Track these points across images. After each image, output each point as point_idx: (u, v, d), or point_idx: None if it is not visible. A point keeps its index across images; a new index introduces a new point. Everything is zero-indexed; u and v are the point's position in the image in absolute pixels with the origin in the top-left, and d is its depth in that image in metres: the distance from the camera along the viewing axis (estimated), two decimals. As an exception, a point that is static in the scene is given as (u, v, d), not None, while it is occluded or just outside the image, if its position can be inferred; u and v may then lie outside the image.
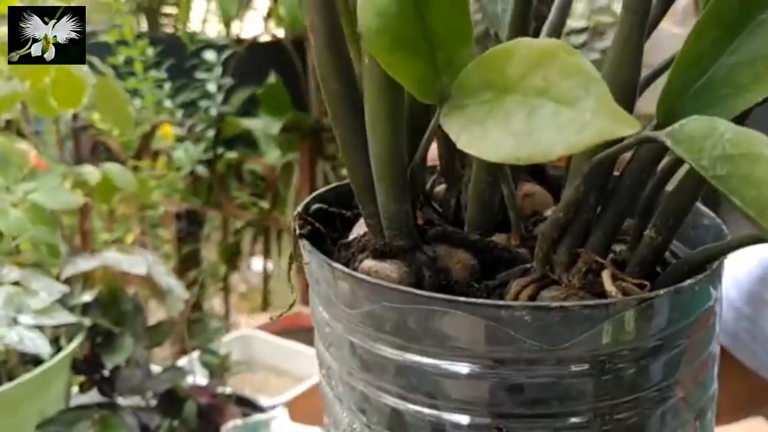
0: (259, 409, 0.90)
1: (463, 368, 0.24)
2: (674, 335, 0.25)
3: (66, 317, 0.75)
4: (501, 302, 0.24)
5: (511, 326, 0.23)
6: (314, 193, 0.32)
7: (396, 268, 0.26)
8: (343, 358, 0.27)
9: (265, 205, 1.75)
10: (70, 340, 0.77)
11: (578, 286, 0.25)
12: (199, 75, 1.83)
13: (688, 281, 0.24)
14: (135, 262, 0.89)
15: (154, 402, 0.86)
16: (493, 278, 0.27)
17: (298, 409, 0.90)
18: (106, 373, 0.83)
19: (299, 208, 0.30)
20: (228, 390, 0.88)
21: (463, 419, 0.25)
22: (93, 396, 0.84)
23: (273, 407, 0.87)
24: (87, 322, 0.83)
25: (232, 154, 1.83)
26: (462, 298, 0.23)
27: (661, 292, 0.23)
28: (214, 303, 1.85)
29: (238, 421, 0.82)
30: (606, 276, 0.24)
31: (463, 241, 0.27)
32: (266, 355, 1.11)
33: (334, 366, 0.28)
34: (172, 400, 0.87)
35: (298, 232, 0.27)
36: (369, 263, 0.27)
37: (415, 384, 0.25)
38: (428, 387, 0.25)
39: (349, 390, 0.27)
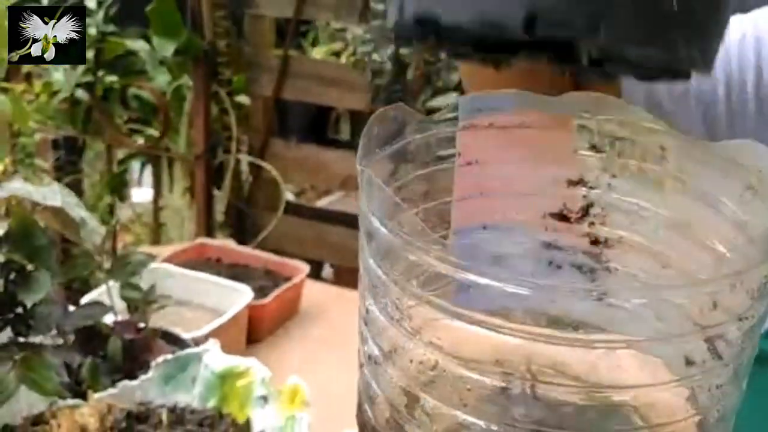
0: (184, 343, 0.87)
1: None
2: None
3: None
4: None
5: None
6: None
7: None
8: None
9: (153, 132, 1.67)
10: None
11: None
12: (76, -10, 1.70)
13: None
14: (47, 193, 0.83)
15: (72, 339, 0.82)
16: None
17: (221, 342, 0.88)
18: (20, 311, 0.78)
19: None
20: (152, 325, 0.85)
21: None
22: (5, 336, 0.79)
23: (202, 340, 0.85)
24: (-1, 257, 0.77)
25: (113, 78, 1.72)
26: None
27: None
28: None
29: (168, 356, 0.80)
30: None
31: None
32: (177, 288, 1.07)
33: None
34: (92, 337, 0.83)
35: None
36: None
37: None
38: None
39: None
